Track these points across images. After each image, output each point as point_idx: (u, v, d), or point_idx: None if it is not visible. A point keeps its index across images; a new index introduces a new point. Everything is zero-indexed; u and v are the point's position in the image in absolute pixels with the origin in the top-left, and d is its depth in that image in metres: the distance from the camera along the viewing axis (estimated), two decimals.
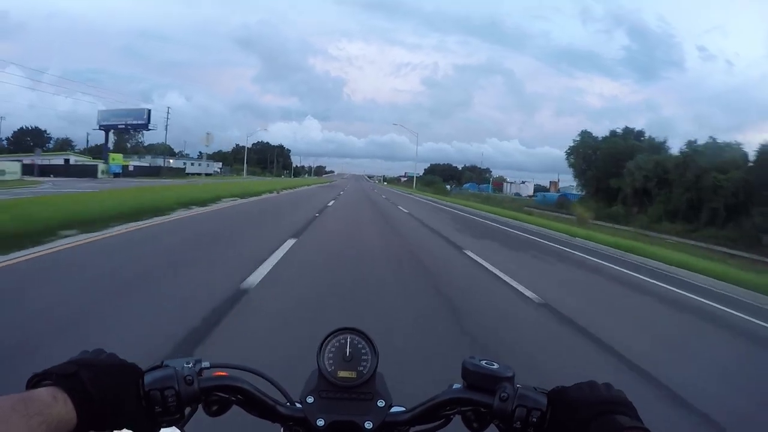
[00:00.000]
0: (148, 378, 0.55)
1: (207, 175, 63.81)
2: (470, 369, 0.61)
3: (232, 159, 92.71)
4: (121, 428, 0.52)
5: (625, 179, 35.21)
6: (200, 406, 0.60)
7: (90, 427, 0.49)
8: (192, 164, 68.13)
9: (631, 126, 43.55)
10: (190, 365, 0.59)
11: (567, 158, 44.65)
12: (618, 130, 42.64)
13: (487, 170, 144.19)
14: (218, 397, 0.61)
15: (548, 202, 46.43)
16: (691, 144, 32.65)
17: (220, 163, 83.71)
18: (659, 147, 37.43)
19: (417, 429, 0.64)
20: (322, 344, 0.67)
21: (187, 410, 0.58)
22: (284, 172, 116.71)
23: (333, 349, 0.67)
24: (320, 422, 0.61)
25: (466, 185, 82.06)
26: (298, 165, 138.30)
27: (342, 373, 0.65)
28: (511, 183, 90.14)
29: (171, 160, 62.11)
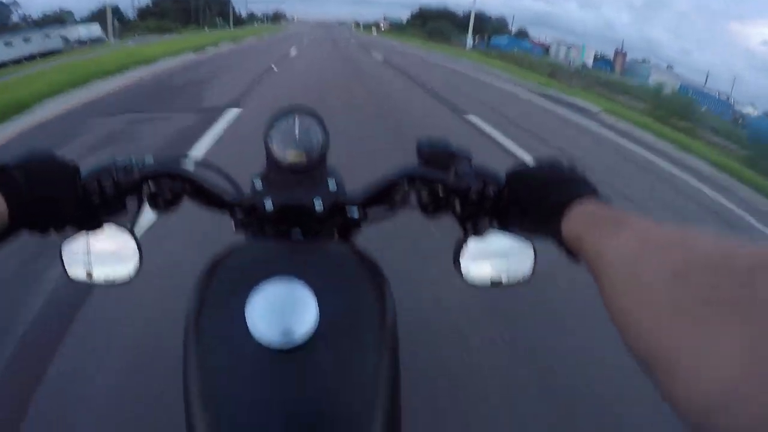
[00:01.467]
0: (84, 172, 0.51)
1: (40, 56, 30.41)
2: (425, 147, 0.57)
3: (138, 16, 57.04)
4: (62, 226, 0.50)
5: None
6: (147, 206, 0.56)
7: (23, 225, 0.46)
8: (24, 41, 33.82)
9: None
10: (132, 160, 0.55)
11: None
12: None
13: (503, 19, 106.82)
14: (161, 190, 0.57)
15: None
16: None
17: (97, 24, 49.21)
18: None
19: (372, 211, 0.61)
20: (269, 126, 0.60)
21: (132, 205, 0.55)
22: (219, 21, 78.28)
23: (281, 130, 0.60)
24: (269, 205, 0.57)
25: (497, 41, 49.87)
26: (242, 13, 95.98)
27: (291, 155, 0.59)
28: (568, 47, 57.34)
29: None
